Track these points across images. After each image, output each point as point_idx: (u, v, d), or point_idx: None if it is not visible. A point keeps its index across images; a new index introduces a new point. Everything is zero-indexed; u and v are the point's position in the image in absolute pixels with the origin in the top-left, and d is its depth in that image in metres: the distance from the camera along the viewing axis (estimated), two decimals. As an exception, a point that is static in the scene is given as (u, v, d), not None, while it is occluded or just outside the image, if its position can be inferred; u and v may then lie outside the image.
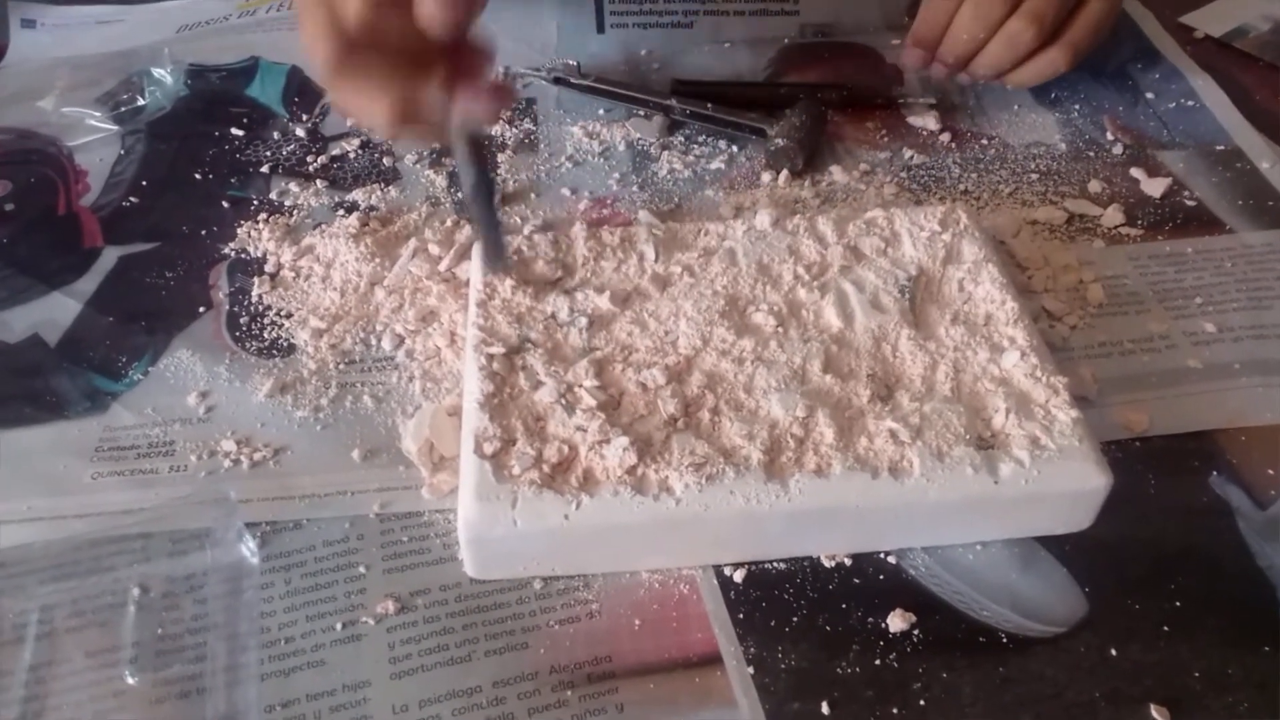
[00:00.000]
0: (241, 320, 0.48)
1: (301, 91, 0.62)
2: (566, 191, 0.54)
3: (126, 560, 0.38)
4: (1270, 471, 0.41)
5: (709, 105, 0.57)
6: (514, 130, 0.58)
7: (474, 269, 0.44)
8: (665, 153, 0.57)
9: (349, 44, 0.37)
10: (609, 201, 0.54)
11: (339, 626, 0.36)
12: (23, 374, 0.46)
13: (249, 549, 0.38)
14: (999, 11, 0.55)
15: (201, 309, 0.48)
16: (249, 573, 0.37)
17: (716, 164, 0.56)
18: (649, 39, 0.65)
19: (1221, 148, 0.57)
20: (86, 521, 0.39)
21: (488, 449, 0.36)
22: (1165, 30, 0.66)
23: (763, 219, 0.45)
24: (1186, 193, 0.54)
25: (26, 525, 0.39)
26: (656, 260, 0.44)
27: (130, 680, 0.35)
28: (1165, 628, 0.36)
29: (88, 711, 0.34)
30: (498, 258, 0.43)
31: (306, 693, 0.34)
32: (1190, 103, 0.60)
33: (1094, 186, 0.55)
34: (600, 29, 0.65)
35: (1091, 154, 0.57)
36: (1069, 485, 0.37)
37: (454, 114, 0.38)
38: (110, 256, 0.51)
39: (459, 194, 0.54)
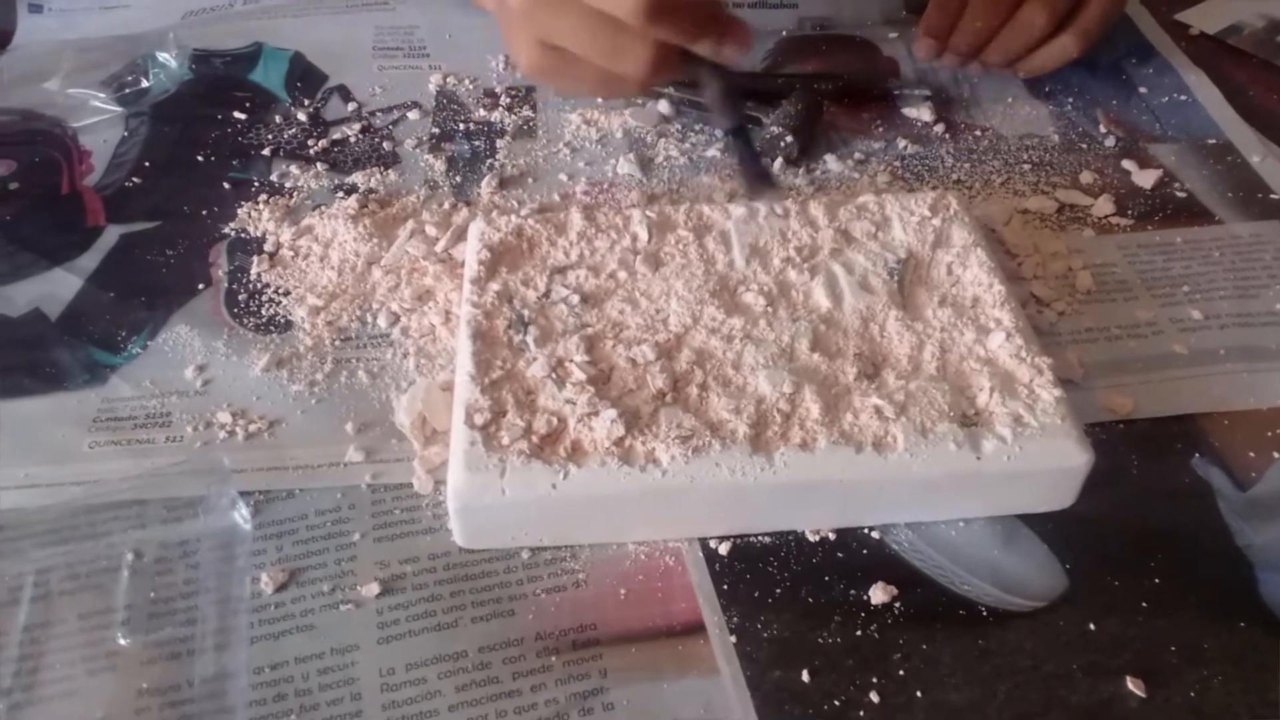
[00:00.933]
0: (240, 297, 0.48)
1: (304, 77, 0.62)
2: (564, 177, 0.55)
3: (121, 526, 0.39)
4: (1251, 454, 0.41)
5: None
6: (513, 116, 0.59)
7: (469, 247, 0.45)
8: (662, 140, 0.57)
9: None
10: (605, 187, 0.54)
11: (328, 590, 0.37)
12: (24, 346, 0.46)
13: (242, 516, 0.38)
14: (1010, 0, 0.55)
15: (201, 286, 0.49)
16: (241, 539, 0.38)
17: (712, 151, 0.57)
18: (648, 29, 0.65)
19: (1213, 141, 0.57)
20: (84, 488, 0.40)
21: (478, 420, 0.37)
22: (1160, 26, 0.67)
23: (756, 203, 0.46)
24: (1177, 184, 0.55)
25: (25, 491, 0.40)
26: (649, 240, 0.45)
27: (122, 642, 0.35)
28: (1144, 604, 0.37)
29: (80, 671, 0.34)
30: (762, 179, 0.47)
31: (295, 655, 0.35)
32: (1183, 97, 0.61)
33: (1085, 177, 0.55)
34: (600, 19, 0.66)
35: (1084, 146, 0.57)
36: (1050, 462, 0.37)
37: (715, 50, 0.43)
38: (112, 235, 0.52)
39: (457, 178, 0.55)
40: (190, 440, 0.42)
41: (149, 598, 0.36)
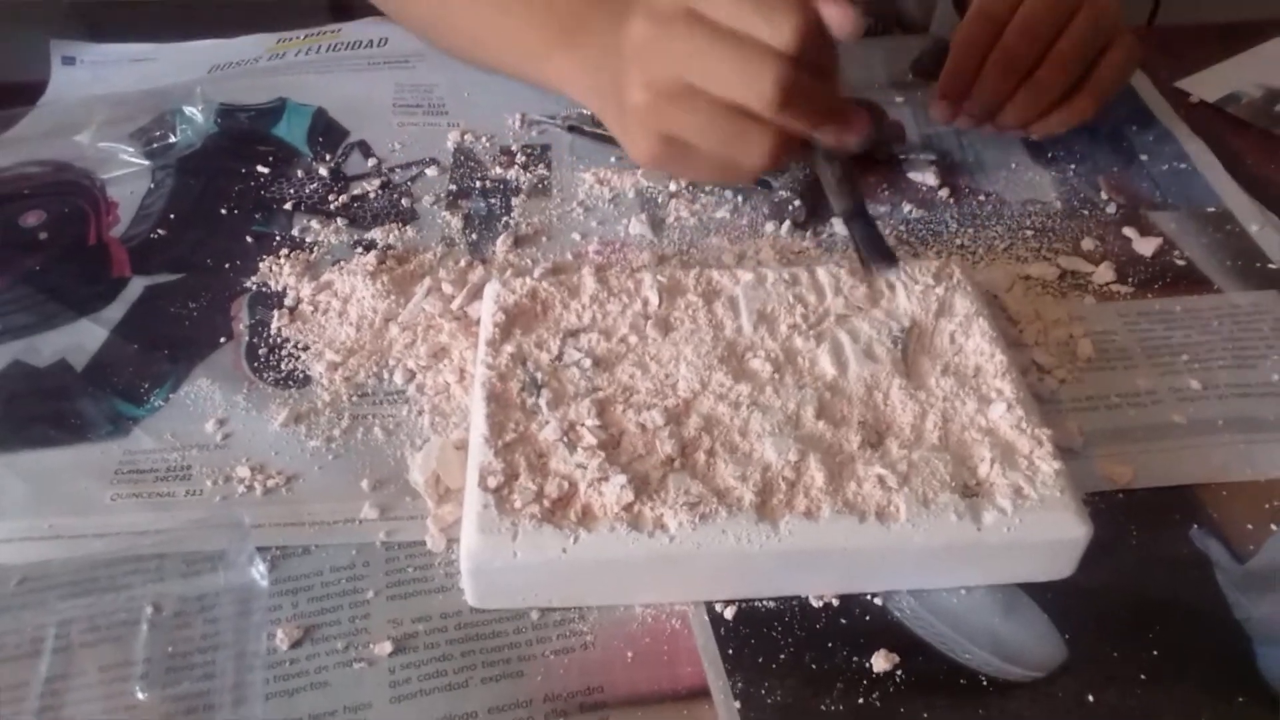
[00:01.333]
0: (260, 351, 0.50)
1: (325, 132, 0.64)
2: (577, 236, 0.57)
3: (141, 579, 0.39)
4: (1249, 526, 0.42)
5: (716, 156, 0.59)
6: (528, 175, 0.61)
7: (485, 309, 0.46)
8: (673, 200, 0.59)
9: (795, 66, 0.39)
10: (617, 246, 0.56)
11: (342, 648, 0.37)
12: (49, 397, 0.48)
13: (259, 572, 0.39)
14: (1026, 62, 0.56)
15: (223, 339, 0.50)
16: (258, 595, 0.39)
17: (722, 213, 0.58)
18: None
19: (1212, 210, 0.59)
20: (105, 541, 0.41)
21: (491, 483, 0.38)
22: (1161, 94, 0.68)
23: (764, 269, 0.47)
24: (1177, 252, 0.56)
25: (48, 543, 0.41)
26: (660, 305, 0.46)
27: (140, 695, 0.36)
28: (1143, 675, 0.37)
29: (99, 724, 0.35)
30: (886, 258, 0.45)
31: (309, 712, 0.36)
32: (1183, 165, 0.62)
33: (1087, 244, 0.56)
34: (614, 80, 0.67)
35: (1085, 212, 0.59)
36: (1050, 534, 0.38)
37: (838, 138, 0.43)
38: (137, 286, 0.54)
39: (473, 235, 0.56)
40: (210, 494, 0.43)
41: (167, 652, 0.37)
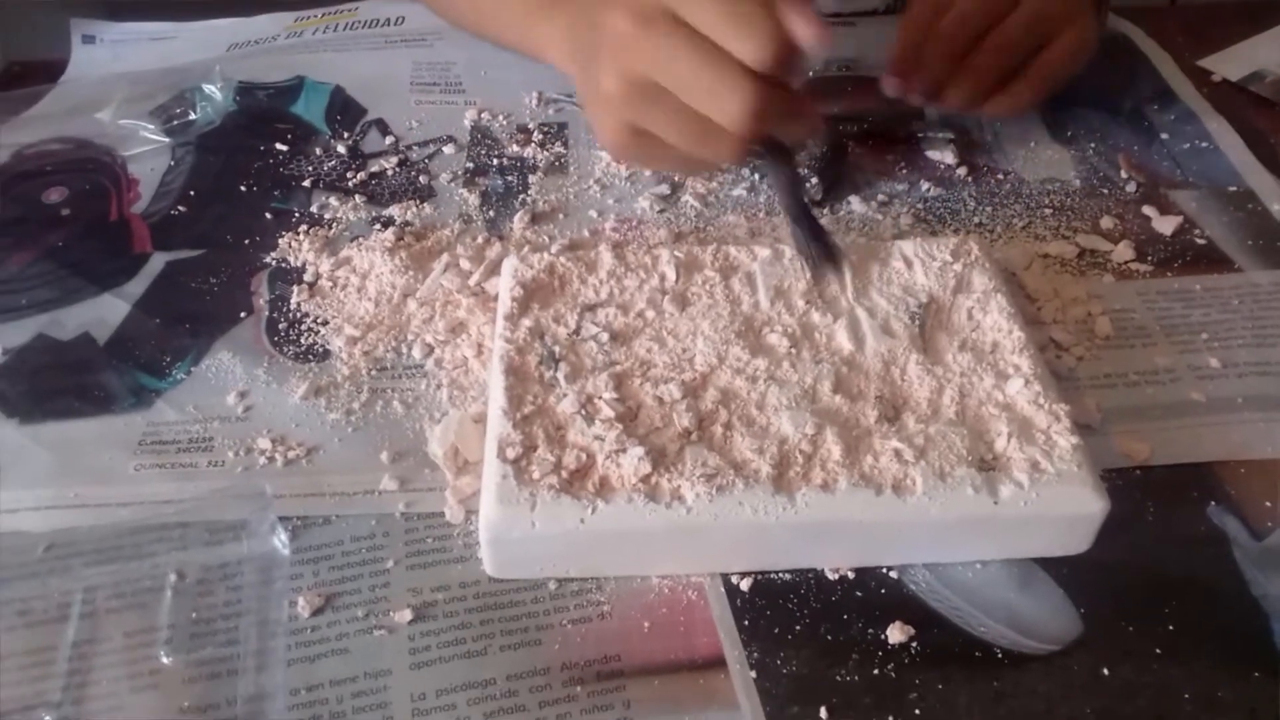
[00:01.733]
0: (280, 326, 0.50)
1: (343, 110, 0.64)
2: (594, 213, 0.57)
3: (165, 548, 0.40)
4: (1268, 504, 0.42)
5: (733, 134, 0.59)
6: (545, 152, 0.61)
7: (502, 284, 0.46)
8: (690, 178, 0.59)
9: (765, 83, 0.40)
10: (634, 224, 0.56)
11: (362, 615, 0.38)
12: (73, 370, 0.48)
13: (281, 541, 0.40)
14: (961, 46, 0.57)
15: (243, 314, 0.51)
16: (280, 564, 0.39)
17: (739, 190, 0.58)
18: (678, 69, 0.67)
19: (1234, 189, 0.58)
20: (129, 510, 0.41)
21: (510, 454, 0.38)
22: (1183, 72, 0.68)
23: (781, 245, 0.47)
24: (1197, 231, 0.56)
25: (73, 511, 0.42)
26: (677, 280, 0.46)
27: (165, 660, 0.37)
28: (1158, 650, 0.37)
29: (125, 687, 0.36)
30: (831, 258, 0.45)
31: (330, 678, 0.36)
32: (1204, 144, 0.62)
33: (1106, 223, 0.56)
34: (631, 58, 0.67)
35: (1105, 191, 0.58)
36: (1066, 508, 0.38)
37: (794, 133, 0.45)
38: (158, 261, 0.54)
39: (490, 212, 0.56)
40: (231, 465, 0.43)
41: (191, 618, 0.38)
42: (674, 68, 0.42)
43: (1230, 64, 0.69)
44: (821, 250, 0.45)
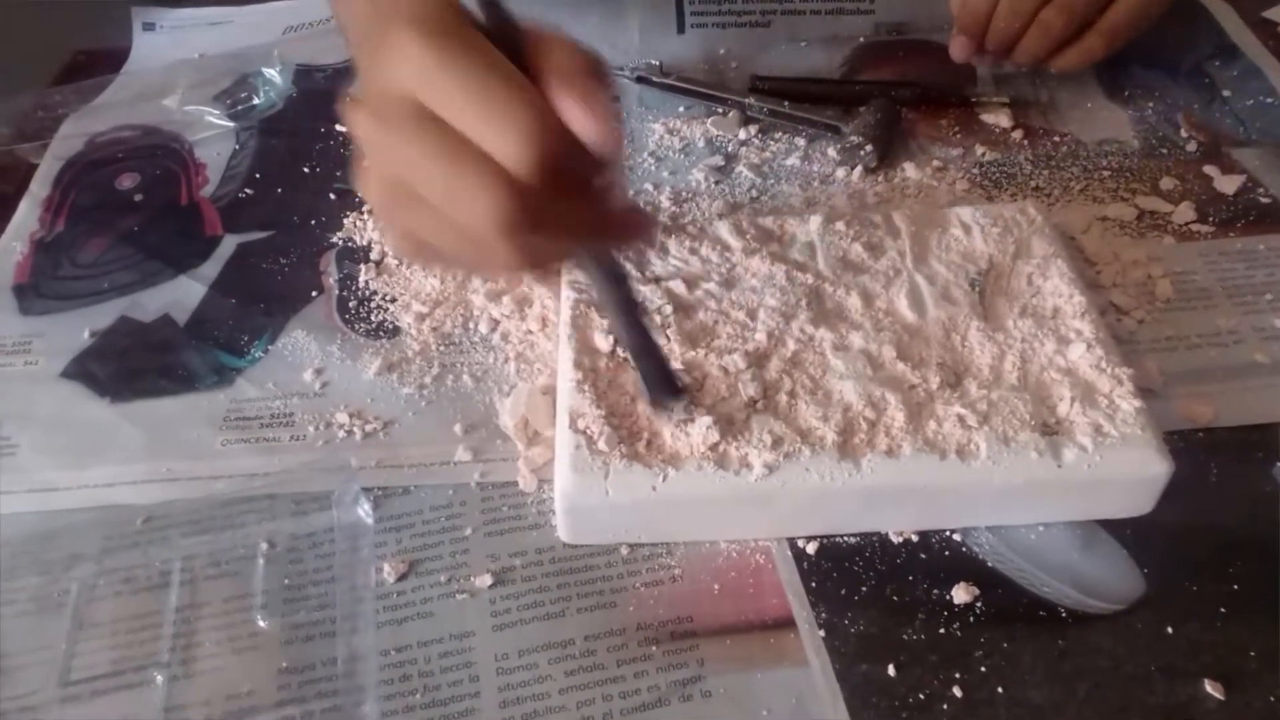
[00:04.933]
0: (350, 304, 0.52)
1: (399, 90, 0.65)
2: (649, 186, 0.57)
3: (255, 518, 0.42)
4: (1334, 464, 0.42)
5: (785, 103, 0.60)
6: (598, 127, 0.61)
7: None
8: (743, 148, 0.59)
9: (528, 189, 0.33)
10: (690, 196, 0.57)
11: (444, 580, 0.40)
12: (156, 350, 0.50)
13: (365, 511, 0.42)
14: (1032, 2, 0.57)
15: (314, 293, 0.52)
16: (365, 532, 0.41)
17: (792, 159, 0.58)
18: (727, 38, 0.67)
19: (1299, 146, 0.57)
20: (220, 483, 0.43)
21: (582, 425, 0.40)
22: (1247, 26, 0.66)
23: (839, 214, 0.48)
24: (1260, 190, 0.55)
25: (166, 485, 0.44)
26: (737, 251, 0.47)
27: (262, 624, 0.39)
28: (1222, 609, 0.38)
29: (227, 649, 0.38)
30: (668, 386, 0.39)
31: (417, 640, 0.38)
32: (1269, 100, 0.61)
33: (1166, 183, 0.55)
34: (681, 29, 0.68)
35: (1164, 151, 0.58)
36: (1130, 471, 0.38)
37: (615, 247, 0.39)
38: (230, 244, 0.56)
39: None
40: (313, 439, 0.45)
41: (283, 584, 0.40)
42: (423, 170, 0.35)
43: (1295, 16, 0.67)
44: (662, 382, 0.39)
